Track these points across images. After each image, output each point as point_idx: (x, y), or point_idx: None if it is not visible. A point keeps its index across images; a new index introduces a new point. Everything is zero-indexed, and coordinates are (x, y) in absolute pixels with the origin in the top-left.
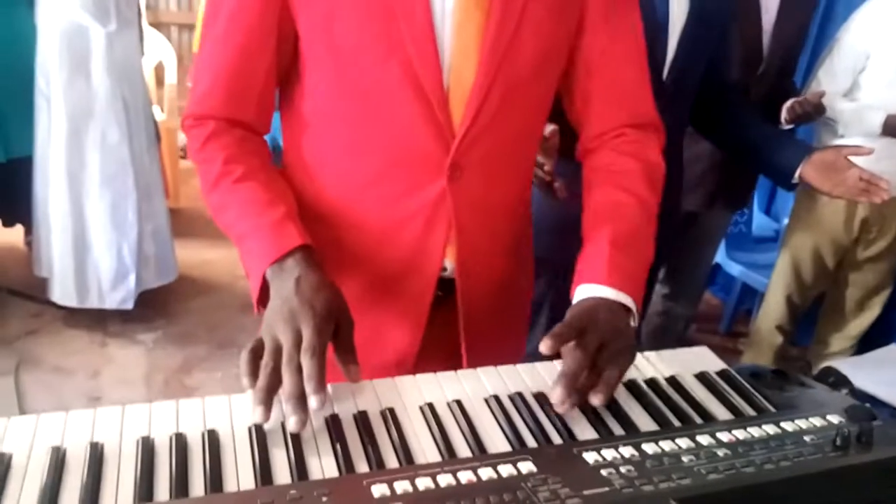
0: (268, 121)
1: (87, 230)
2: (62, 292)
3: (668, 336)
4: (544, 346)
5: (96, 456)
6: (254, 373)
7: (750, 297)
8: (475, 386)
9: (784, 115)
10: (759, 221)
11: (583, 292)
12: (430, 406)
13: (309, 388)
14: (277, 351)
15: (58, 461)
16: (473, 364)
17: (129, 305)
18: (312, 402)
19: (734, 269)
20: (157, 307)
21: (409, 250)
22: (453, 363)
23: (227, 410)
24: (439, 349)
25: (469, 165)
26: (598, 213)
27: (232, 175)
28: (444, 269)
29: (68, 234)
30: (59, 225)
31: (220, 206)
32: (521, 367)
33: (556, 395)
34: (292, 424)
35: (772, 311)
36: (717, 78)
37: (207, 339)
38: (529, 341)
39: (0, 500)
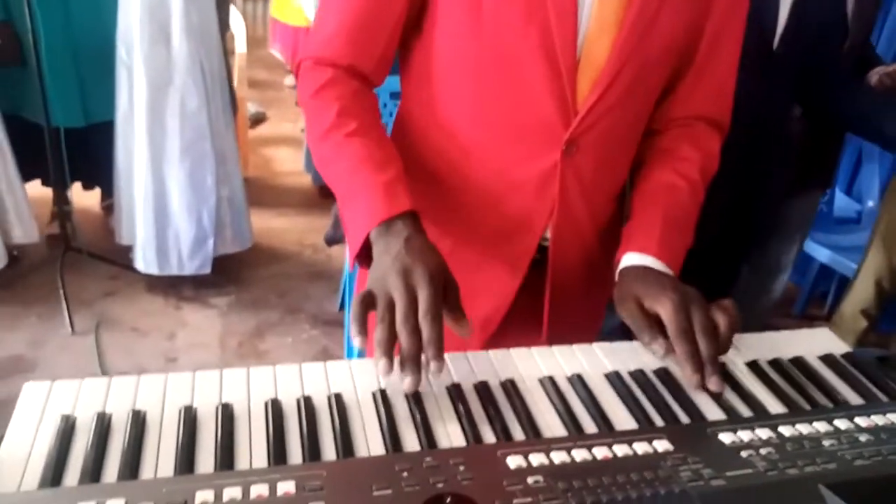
0: (384, 76)
1: (168, 197)
2: (144, 261)
3: (751, 322)
4: (661, 349)
5: (229, 415)
6: (363, 321)
7: (825, 281)
8: (593, 361)
9: (873, 83)
10: (841, 202)
11: (632, 259)
12: (551, 379)
13: (429, 352)
14: (391, 306)
15: (190, 418)
16: (554, 335)
17: (207, 270)
18: (431, 367)
19: (819, 252)
20: (228, 273)
21: (512, 218)
22: (533, 334)
23: (350, 376)
24: (522, 317)
25: (584, 143)
26: (655, 191)
27: (345, 128)
28: (545, 239)
29: (150, 202)
30: (141, 193)
31: (328, 158)
32: (637, 343)
33: (713, 384)
34: (408, 385)
35: (859, 294)
36: (831, 47)
37: (277, 306)
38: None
39: (66, 459)
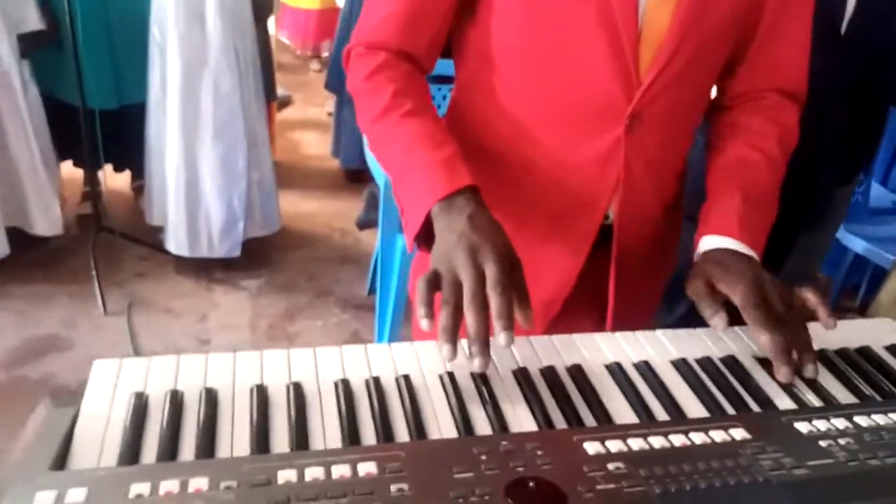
0: (435, 60)
1: (200, 179)
2: (175, 242)
3: None
4: (721, 322)
5: (301, 395)
6: (430, 303)
7: (857, 273)
8: (658, 347)
9: None
10: (877, 192)
11: (711, 242)
12: (618, 365)
13: (499, 325)
14: (457, 285)
15: (263, 398)
16: (619, 315)
17: (237, 253)
18: (501, 338)
19: (854, 243)
20: (258, 256)
21: (576, 195)
22: (598, 313)
23: (416, 358)
24: (585, 297)
25: (648, 117)
26: (730, 167)
27: (400, 109)
28: (607, 218)
29: (181, 184)
30: (172, 174)
31: (383, 139)
32: (701, 330)
33: (783, 374)
34: (477, 365)
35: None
36: None
37: (307, 289)
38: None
39: (141, 436)
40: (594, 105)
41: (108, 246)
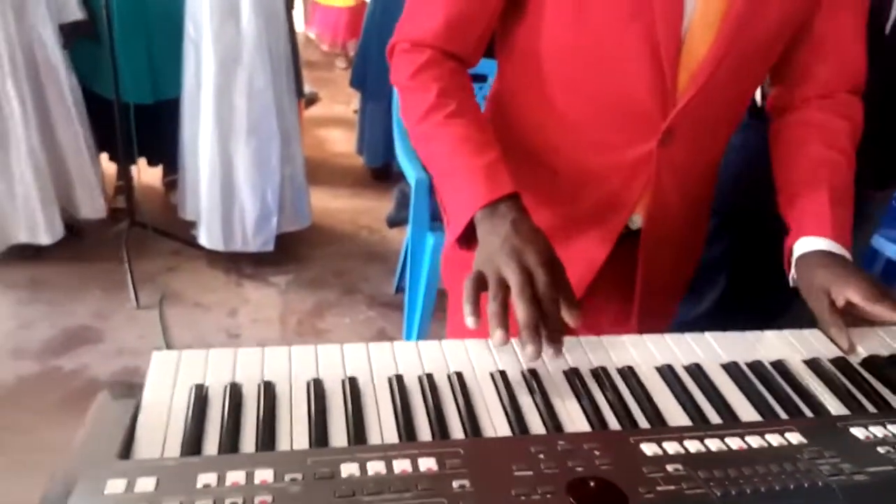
0: (479, 57)
1: (234, 175)
2: (209, 237)
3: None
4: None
5: (356, 390)
6: (476, 301)
7: (889, 278)
8: (708, 350)
9: None
10: None
11: (809, 244)
12: (669, 367)
13: (548, 330)
14: (503, 283)
15: (320, 392)
16: (644, 307)
17: (270, 248)
18: (551, 350)
19: (888, 248)
20: (286, 251)
21: (601, 202)
22: (622, 304)
23: (466, 356)
24: (611, 287)
25: (681, 132)
26: (814, 167)
27: (445, 108)
28: (632, 223)
29: (216, 179)
30: (207, 170)
31: (428, 138)
32: (749, 333)
33: None
34: (529, 353)
35: None
36: None
37: (335, 285)
38: (700, 303)
39: (203, 428)
40: (628, 119)
41: (139, 240)
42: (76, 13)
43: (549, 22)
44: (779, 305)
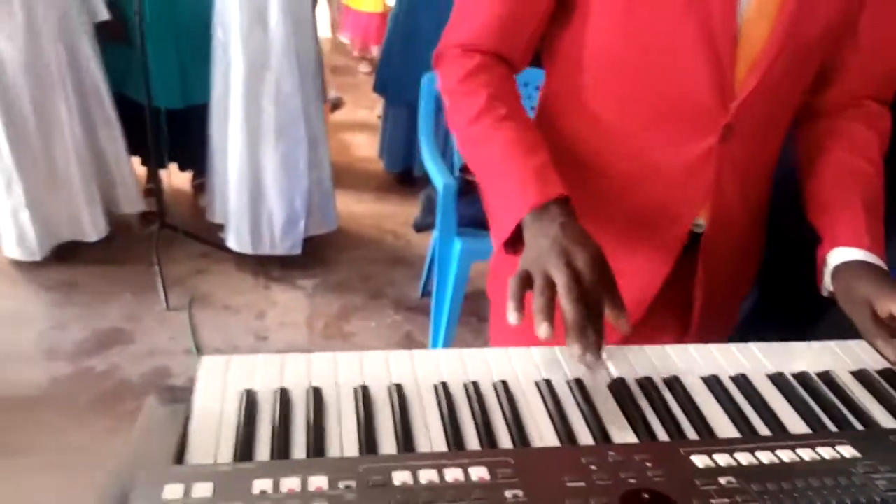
0: (528, 61)
1: (263, 179)
2: (237, 240)
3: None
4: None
5: (403, 397)
6: (520, 299)
7: None
8: (753, 361)
9: None
10: None
11: (845, 255)
12: (716, 378)
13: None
14: (549, 283)
15: (367, 399)
16: (703, 323)
17: (298, 251)
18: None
19: None
20: (313, 255)
21: (662, 204)
22: (681, 320)
23: (510, 365)
24: (669, 302)
25: (741, 128)
26: (844, 177)
27: (495, 112)
28: (698, 227)
29: (244, 183)
30: (235, 173)
31: (478, 141)
32: (794, 344)
33: None
34: (575, 353)
35: None
36: None
37: (361, 290)
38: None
39: (254, 433)
40: (685, 115)
41: (168, 243)
42: (103, 14)
43: (596, 23)
44: (811, 315)
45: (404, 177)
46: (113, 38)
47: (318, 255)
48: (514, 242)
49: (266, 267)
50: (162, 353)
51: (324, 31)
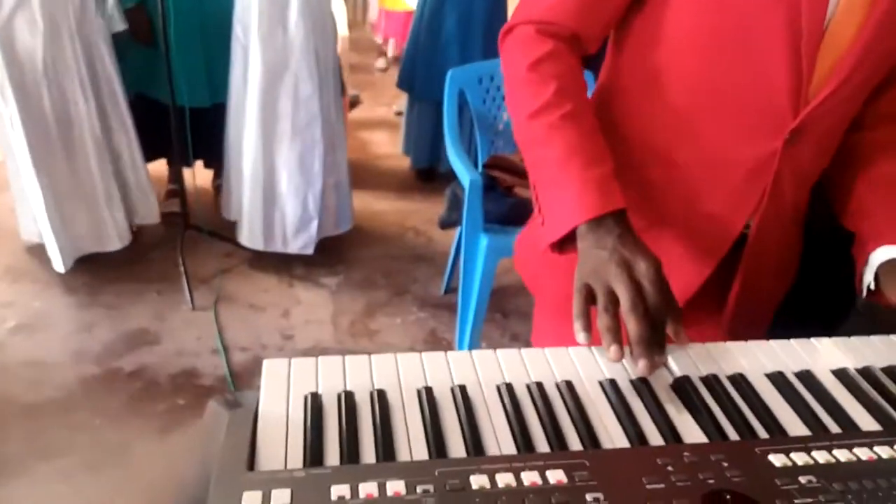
0: (600, 44)
1: (277, 178)
2: (250, 236)
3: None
4: None
5: (467, 399)
6: (587, 316)
7: None
8: (815, 357)
9: None
10: None
11: (889, 253)
12: (780, 374)
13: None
14: (613, 299)
15: (432, 400)
16: (737, 322)
17: (310, 251)
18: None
19: None
20: (335, 254)
21: (717, 203)
22: (715, 317)
23: (573, 365)
24: (703, 302)
25: (809, 133)
26: (885, 183)
27: (561, 108)
28: (747, 227)
29: (258, 182)
30: (250, 172)
31: (539, 139)
32: (856, 339)
33: None
34: (642, 369)
35: None
36: None
37: (384, 287)
38: None
39: (322, 437)
40: (758, 114)
41: (191, 242)
42: (118, 24)
43: (678, 8)
44: (840, 312)
45: (426, 173)
46: (138, 40)
47: (339, 254)
48: (562, 244)
49: (289, 265)
50: (189, 353)
51: (342, 29)
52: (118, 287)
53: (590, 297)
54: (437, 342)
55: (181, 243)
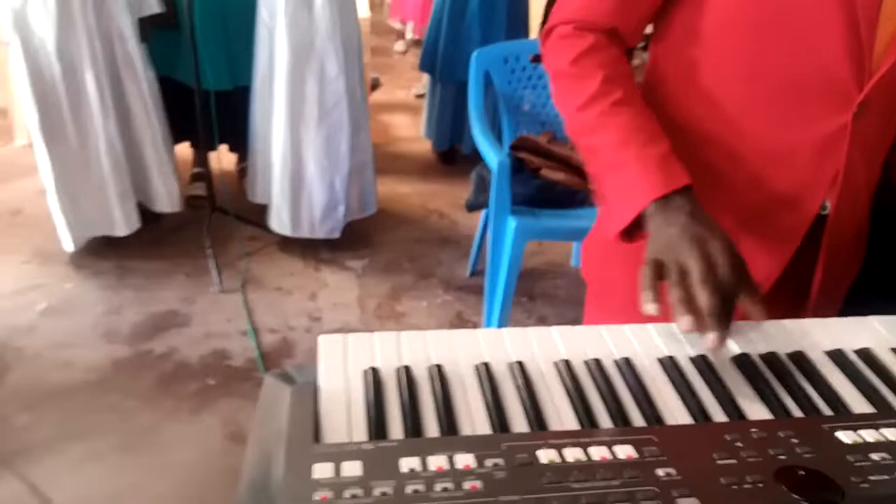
0: (641, 36)
1: (304, 162)
2: (278, 221)
3: None
4: None
5: (526, 375)
6: (656, 289)
7: None
8: (875, 335)
9: None
10: None
11: None
12: (840, 352)
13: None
14: (684, 272)
15: (490, 376)
16: (819, 304)
17: (337, 235)
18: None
19: None
20: (361, 237)
21: (789, 187)
22: (795, 301)
23: (631, 341)
24: (784, 285)
25: (876, 105)
26: None
27: (611, 96)
28: (824, 209)
29: (286, 166)
30: (278, 156)
31: (592, 127)
32: None
33: None
34: (714, 341)
35: None
36: None
37: (410, 270)
38: None
39: (384, 411)
40: (821, 90)
41: (217, 225)
42: (154, 7)
43: None
44: None
45: (447, 156)
46: (162, 24)
47: (364, 237)
48: (630, 231)
49: (315, 249)
50: (218, 335)
51: (362, 10)
52: (146, 269)
53: (659, 272)
54: (463, 325)
55: (207, 226)
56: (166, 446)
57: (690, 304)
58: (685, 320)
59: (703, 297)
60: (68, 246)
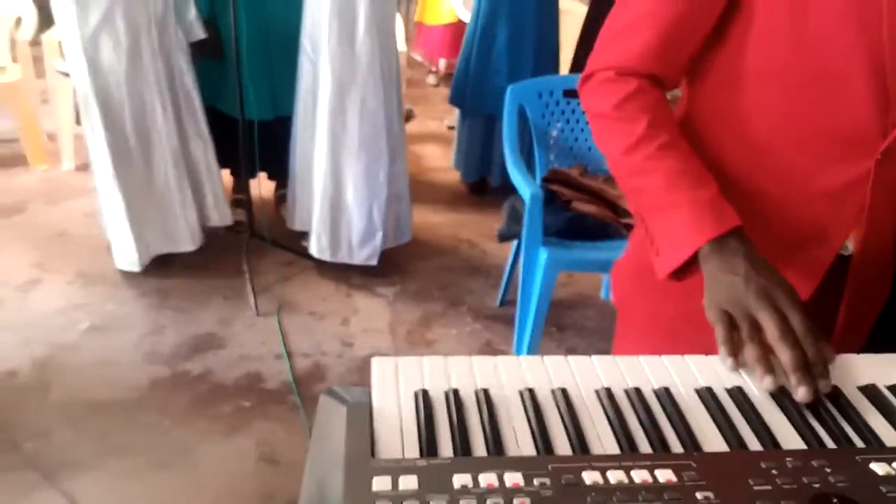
0: (681, 79)
1: (344, 190)
2: (318, 247)
3: None
4: None
5: (568, 400)
6: (734, 343)
7: None
8: None
9: None
10: None
11: None
12: (874, 387)
13: (818, 370)
14: (757, 327)
15: (535, 401)
16: (845, 339)
17: (374, 262)
18: (822, 385)
19: None
20: (392, 265)
21: (811, 226)
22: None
23: (669, 373)
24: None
25: None
26: None
27: (656, 140)
28: (845, 249)
29: (327, 193)
30: (319, 184)
31: (639, 171)
32: None
33: None
34: (804, 394)
35: None
36: None
37: (440, 298)
38: None
39: (434, 431)
40: (846, 137)
41: (254, 251)
42: (200, 33)
43: (757, 42)
44: None
45: (478, 187)
46: (209, 54)
47: (396, 264)
48: (680, 270)
49: (347, 275)
50: (253, 357)
51: (400, 44)
52: (186, 291)
53: (731, 325)
54: (493, 354)
55: (245, 251)
56: (201, 466)
57: (769, 362)
58: (768, 380)
59: (786, 353)
60: (133, 266)
